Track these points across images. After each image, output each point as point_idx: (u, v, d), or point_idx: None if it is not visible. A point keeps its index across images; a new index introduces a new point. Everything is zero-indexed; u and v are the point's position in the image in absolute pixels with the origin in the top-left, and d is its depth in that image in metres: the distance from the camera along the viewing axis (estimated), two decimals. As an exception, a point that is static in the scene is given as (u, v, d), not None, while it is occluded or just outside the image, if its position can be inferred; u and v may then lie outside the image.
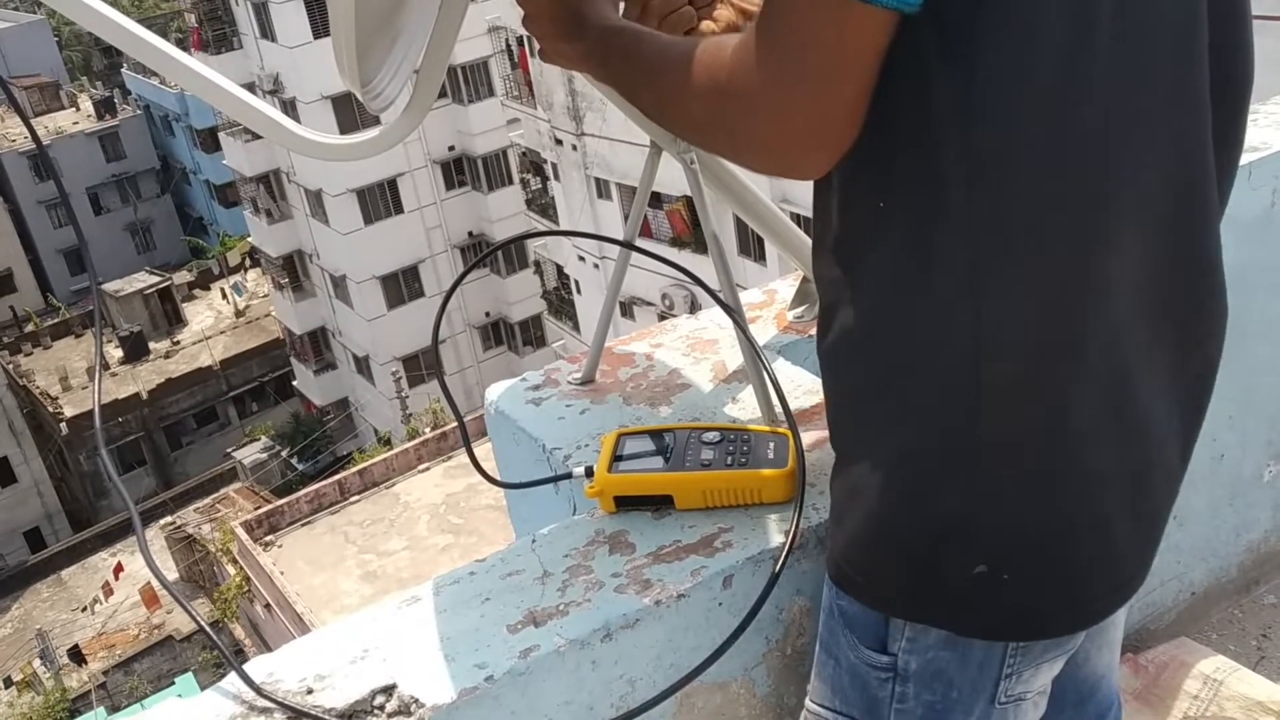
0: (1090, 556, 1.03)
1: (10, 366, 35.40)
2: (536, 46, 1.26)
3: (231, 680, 1.17)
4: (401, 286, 29.35)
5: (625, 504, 1.36)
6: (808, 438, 1.40)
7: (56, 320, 38.67)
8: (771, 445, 1.36)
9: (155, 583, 24.10)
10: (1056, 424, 0.97)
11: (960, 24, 0.85)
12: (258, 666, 1.18)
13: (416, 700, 1.13)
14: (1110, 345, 0.97)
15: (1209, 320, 1.07)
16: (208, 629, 1.21)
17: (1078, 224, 0.91)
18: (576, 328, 25.31)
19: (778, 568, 1.26)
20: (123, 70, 47.85)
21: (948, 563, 1.02)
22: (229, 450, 31.64)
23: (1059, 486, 0.99)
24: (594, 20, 1.14)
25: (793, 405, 1.42)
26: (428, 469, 19.57)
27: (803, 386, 1.60)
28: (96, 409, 1.03)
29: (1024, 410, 0.96)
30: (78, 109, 44.60)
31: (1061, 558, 1.02)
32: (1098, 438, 0.99)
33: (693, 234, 20.22)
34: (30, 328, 38.61)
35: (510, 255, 28.66)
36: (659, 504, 1.36)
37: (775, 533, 1.31)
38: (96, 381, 1.08)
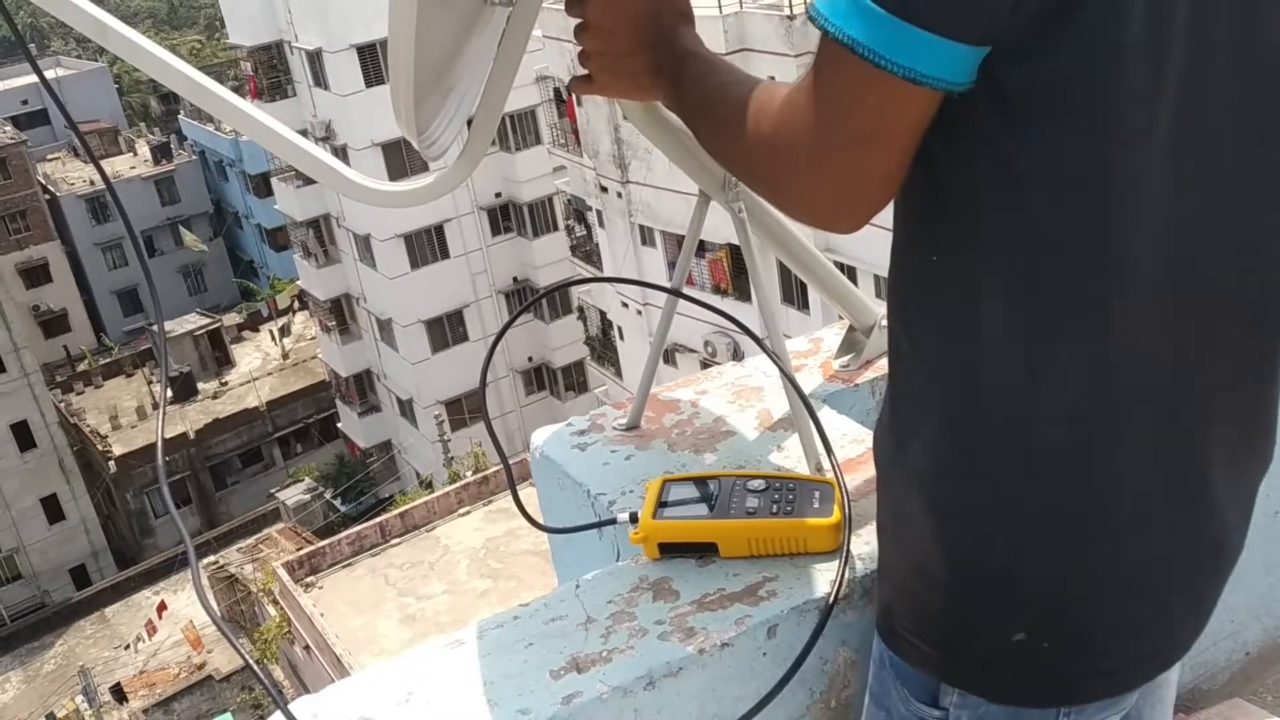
0: (1134, 625, 1.01)
1: (62, 405, 36.01)
2: (579, 71, 1.24)
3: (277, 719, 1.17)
4: (446, 331, 29.61)
5: (669, 551, 1.36)
6: (854, 487, 1.39)
7: (109, 360, 39.36)
8: (817, 495, 1.36)
9: (197, 621, 24.22)
10: (1109, 494, 0.96)
11: (1017, 97, 0.85)
12: (303, 706, 1.19)
13: (459, 744, 1.13)
14: (1171, 418, 0.95)
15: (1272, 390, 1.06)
16: (254, 666, 1.23)
17: (1134, 299, 0.90)
18: (619, 374, 25.35)
19: (823, 618, 1.25)
20: (179, 116, 49.00)
21: (988, 627, 1.01)
22: (273, 491, 31.91)
23: (1106, 555, 0.98)
24: (685, 41, 1.14)
25: (838, 454, 1.41)
26: (468, 513, 19.61)
27: (848, 435, 1.59)
28: (160, 444, 1.05)
29: (1072, 476, 0.95)
30: (135, 154, 45.72)
31: (1103, 626, 1.00)
32: (1155, 510, 0.97)
33: (733, 283, 20.25)
34: (83, 367, 39.32)
35: (554, 301, 28.85)
36: (703, 551, 1.36)
37: (821, 582, 1.30)
38: (160, 418, 1.10)
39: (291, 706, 1.17)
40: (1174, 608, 1.04)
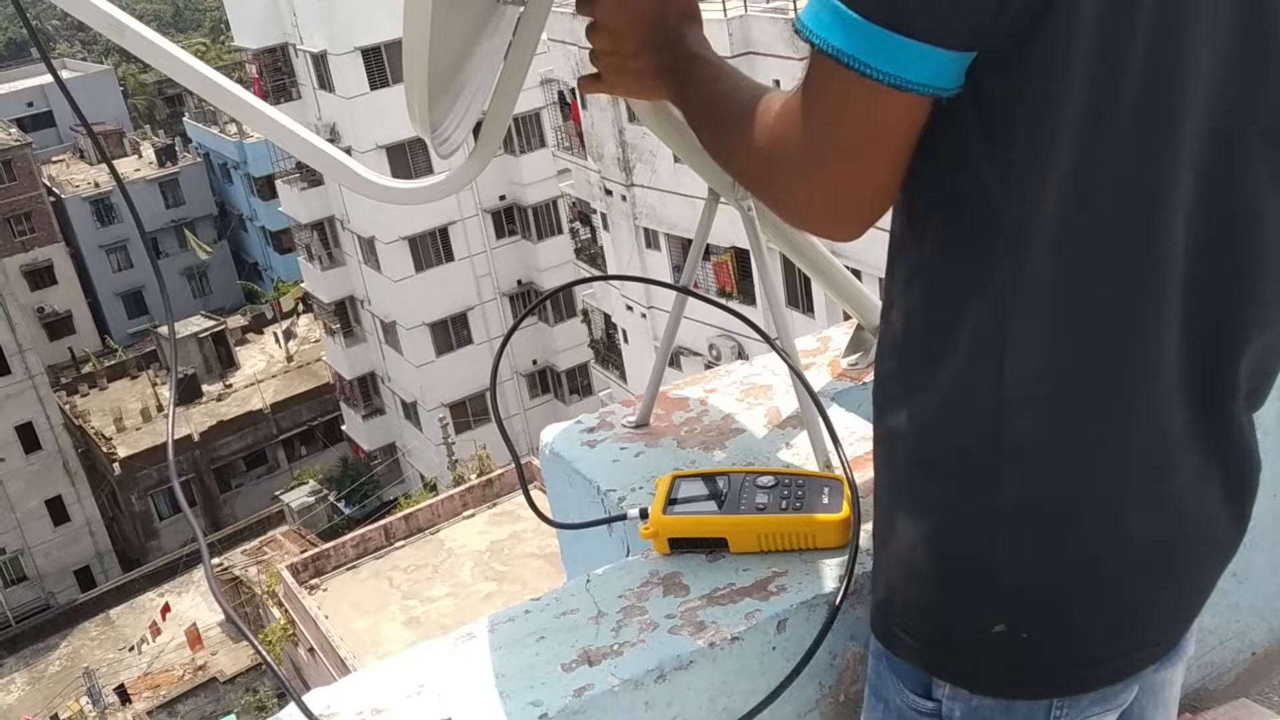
0: (1113, 620, 1.02)
1: (67, 407, 36.05)
2: (589, 71, 1.26)
3: (290, 712, 1.18)
4: (450, 333, 29.61)
5: (679, 546, 1.37)
6: (862, 483, 1.40)
7: (113, 362, 39.40)
8: (826, 491, 1.37)
9: (201, 623, 24.24)
10: (1080, 487, 0.97)
11: (995, 99, 0.86)
12: (316, 698, 1.20)
13: (472, 736, 1.14)
14: (1146, 416, 0.96)
15: (1261, 388, 1.06)
16: (267, 658, 1.23)
17: (1105, 298, 0.91)
18: (623, 376, 25.35)
19: (832, 613, 1.26)
20: (184, 119, 49.06)
21: (968, 620, 1.02)
22: (277, 493, 31.92)
23: (1081, 549, 0.99)
24: (691, 44, 1.16)
25: (847, 451, 1.42)
26: (473, 515, 19.60)
27: (857, 433, 1.60)
28: (170, 444, 1.06)
29: (1045, 470, 0.96)
30: (140, 156, 45.75)
31: (1082, 618, 1.01)
32: (1128, 504, 0.98)
33: (738, 286, 20.26)
34: (88, 369, 39.36)
35: (558, 304, 28.85)
36: (713, 547, 1.37)
37: (830, 578, 1.31)
38: (169, 418, 1.11)
39: (305, 698, 1.18)
40: (1156, 601, 1.05)
